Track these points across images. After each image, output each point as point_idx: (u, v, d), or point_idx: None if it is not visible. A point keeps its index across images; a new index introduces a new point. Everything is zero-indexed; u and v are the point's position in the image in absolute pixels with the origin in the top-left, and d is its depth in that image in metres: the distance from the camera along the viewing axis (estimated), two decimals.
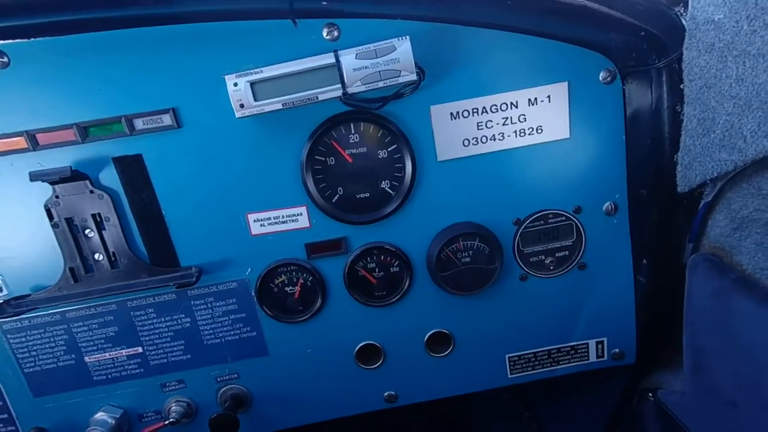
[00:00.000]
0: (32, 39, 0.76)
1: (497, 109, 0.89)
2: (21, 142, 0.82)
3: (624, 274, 1.03)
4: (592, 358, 1.10)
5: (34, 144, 0.82)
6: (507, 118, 0.90)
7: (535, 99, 0.89)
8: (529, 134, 0.91)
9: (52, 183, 0.84)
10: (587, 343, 1.09)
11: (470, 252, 0.96)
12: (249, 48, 0.80)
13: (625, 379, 1.18)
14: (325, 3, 0.76)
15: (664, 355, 1.10)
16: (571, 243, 0.99)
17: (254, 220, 0.92)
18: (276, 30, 0.80)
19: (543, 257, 1.00)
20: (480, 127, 0.90)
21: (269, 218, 0.92)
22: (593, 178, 0.95)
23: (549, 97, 0.89)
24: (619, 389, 1.20)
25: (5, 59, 0.77)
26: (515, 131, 0.91)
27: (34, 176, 0.81)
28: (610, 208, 0.97)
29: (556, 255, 1.00)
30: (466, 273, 0.97)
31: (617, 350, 1.09)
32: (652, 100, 0.88)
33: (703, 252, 0.92)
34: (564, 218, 0.97)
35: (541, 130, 0.91)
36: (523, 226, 0.97)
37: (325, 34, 0.81)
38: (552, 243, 0.99)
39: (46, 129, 0.82)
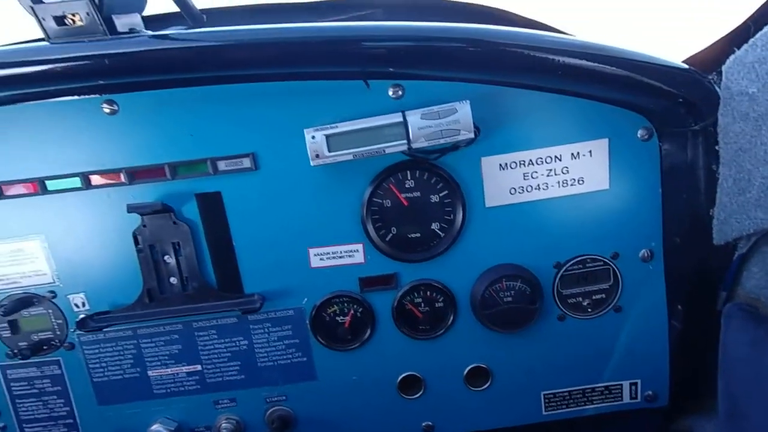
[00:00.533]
0: (138, 92, 0.88)
1: (542, 161, 0.97)
2: (120, 177, 0.93)
3: (658, 318, 1.07)
4: (626, 398, 1.14)
5: (130, 179, 0.93)
6: (551, 170, 0.97)
7: (578, 153, 0.97)
8: (571, 185, 0.99)
9: (143, 214, 0.94)
10: (621, 384, 1.13)
11: (512, 292, 1.03)
12: (323, 103, 0.91)
13: (657, 420, 1.20)
14: (391, 70, 0.86)
15: (698, 399, 1.12)
16: (608, 286, 1.05)
17: (314, 254, 1.01)
18: (347, 88, 0.90)
19: (581, 299, 1.06)
20: (526, 178, 0.98)
21: (328, 253, 1.01)
22: (630, 227, 1.01)
23: (590, 151, 0.97)
24: (651, 431, 1.22)
25: (115, 107, 0.89)
26: (558, 182, 0.98)
27: (131, 208, 0.92)
28: (646, 254, 1.03)
29: (593, 297, 1.06)
30: (508, 312, 1.03)
31: (650, 392, 1.13)
32: (688, 158, 0.95)
33: (738, 301, 0.97)
34: (602, 263, 1.03)
35: (583, 181, 0.98)
36: (563, 269, 1.03)
37: (390, 93, 0.91)
38: (590, 286, 1.05)
39: (142, 167, 0.93)
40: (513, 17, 1.38)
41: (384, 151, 0.88)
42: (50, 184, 0.92)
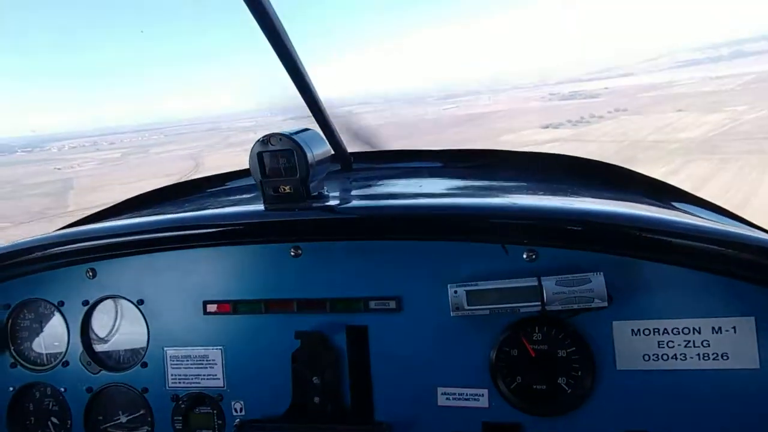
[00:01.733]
0: (318, 241, 1.12)
1: (679, 332, 0.97)
2: (291, 306, 1.14)
3: None
4: None
5: (299, 309, 1.14)
6: (689, 341, 0.97)
7: (719, 328, 0.96)
8: (714, 359, 0.96)
9: (303, 340, 1.13)
10: None
11: None
12: (464, 262, 1.05)
13: None
14: (526, 241, 0.99)
15: None
16: None
17: (442, 393, 1.08)
18: (486, 250, 1.04)
19: None
20: (661, 346, 0.98)
21: (455, 393, 1.08)
22: None
23: (734, 328, 0.95)
24: None
25: (300, 251, 1.13)
26: (698, 354, 0.97)
27: (299, 335, 1.11)
28: None
29: None
30: None
31: None
32: None
33: None
34: None
35: (727, 356, 0.96)
36: None
37: (525, 256, 1.03)
38: None
39: (309, 299, 1.13)
40: (634, 175, 1.47)
41: (519, 310, 0.97)
42: (240, 307, 1.16)
